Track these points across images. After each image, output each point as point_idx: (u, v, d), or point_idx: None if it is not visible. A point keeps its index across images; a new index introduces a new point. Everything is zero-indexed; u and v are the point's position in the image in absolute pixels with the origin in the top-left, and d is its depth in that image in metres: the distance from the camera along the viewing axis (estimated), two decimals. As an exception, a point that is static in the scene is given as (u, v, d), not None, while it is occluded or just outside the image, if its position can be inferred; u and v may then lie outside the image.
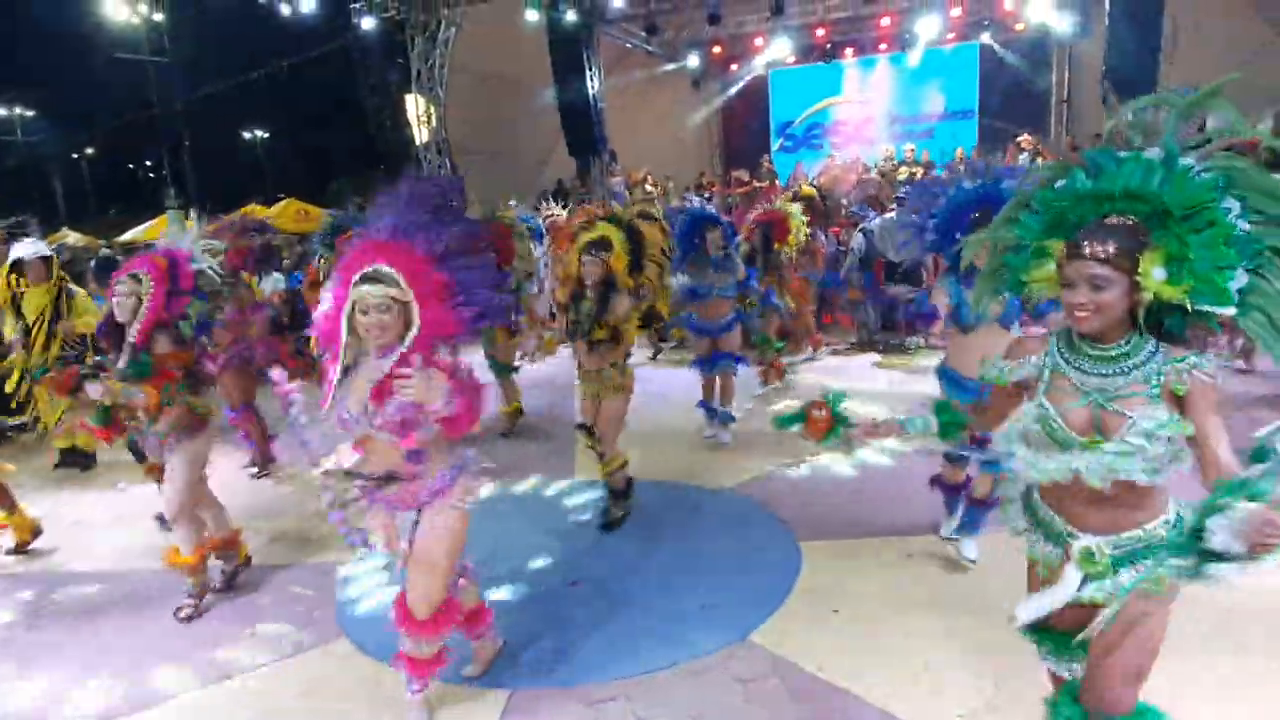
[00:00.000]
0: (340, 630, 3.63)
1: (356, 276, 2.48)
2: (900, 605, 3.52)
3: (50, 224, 21.08)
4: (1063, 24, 14.79)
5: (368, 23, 14.71)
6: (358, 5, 14.45)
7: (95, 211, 34.52)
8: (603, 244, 4.27)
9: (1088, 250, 1.77)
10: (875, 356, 8.61)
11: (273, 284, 9.77)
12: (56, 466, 6.23)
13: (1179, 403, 1.78)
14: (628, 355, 4.48)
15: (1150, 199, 1.77)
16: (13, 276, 5.74)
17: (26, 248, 5.85)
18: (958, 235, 3.42)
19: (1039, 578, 2.03)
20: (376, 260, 2.49)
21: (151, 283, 3.62)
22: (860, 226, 9.27)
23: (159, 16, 22.80)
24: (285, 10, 12.80)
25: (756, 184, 14.39)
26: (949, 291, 3.54)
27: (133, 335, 3.61)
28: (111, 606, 4.04)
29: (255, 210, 16.90)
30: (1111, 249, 1.75)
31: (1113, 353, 1.85)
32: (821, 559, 4.01)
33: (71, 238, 17.29)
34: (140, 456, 4.82)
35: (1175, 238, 1.73)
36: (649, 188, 15.47)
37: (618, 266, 4.25)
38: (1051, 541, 1.99)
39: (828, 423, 2.22)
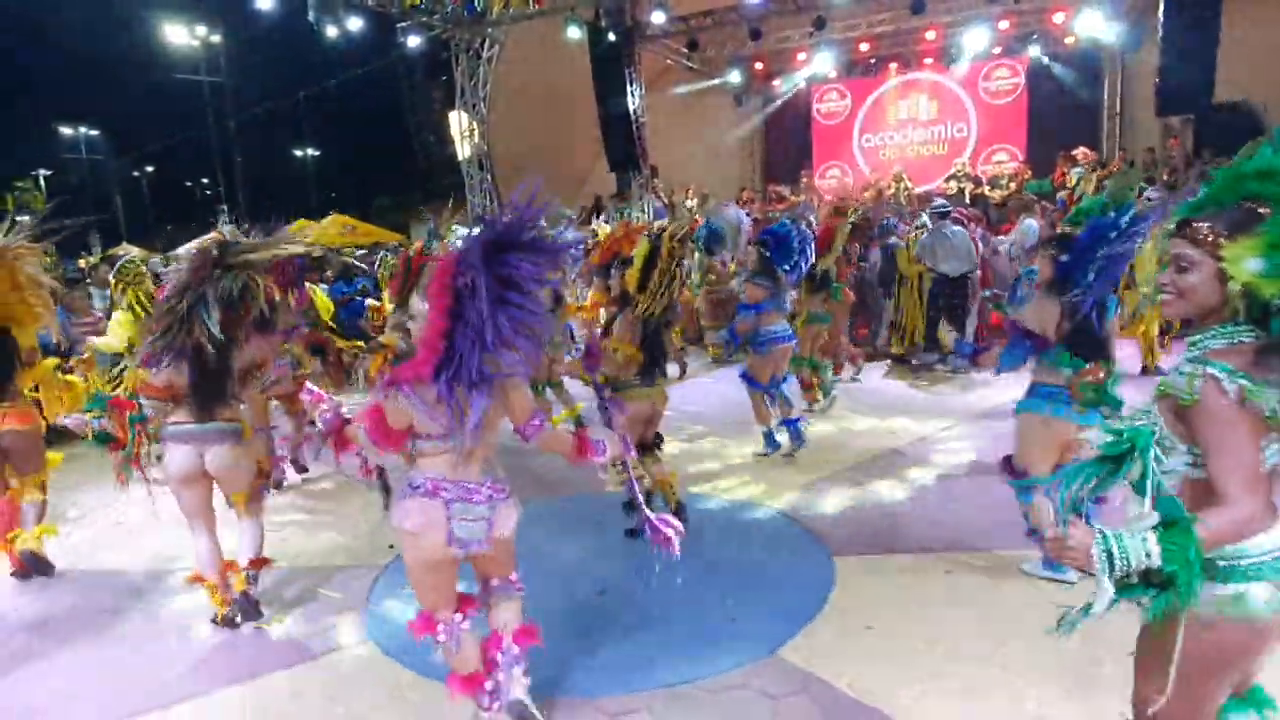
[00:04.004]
0: (367, 635, 3.62)
1: None
2: (938, 624, 3.38)
3: (111, 239, 21.93)
4: (1114, 37, 14.46)
5: (413, 41, 15.02)
6: (404, 24, 14.76)
7: (154, 226, 35.80)
8: (628, 261, 4.25)
9: (1184, 227, 1.65)
10: (890, 369, 8.63)
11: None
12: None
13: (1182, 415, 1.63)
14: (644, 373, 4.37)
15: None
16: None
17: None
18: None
19: None
20: (436, 276, 2.37)
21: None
22: (881, 242, 9.15)
23: (216, 39, 23.72)
24: (333, 30, 13.12)
25: (794, 199, 14.30)
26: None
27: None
28: (140, 604, 4.10)
29: (303, 225, 17.38)
30: (1203, 229, 1.62)
31: (1191, 339, 1.69)
32: (856, 574, 3.88)
33: (134, 252, 17.93)
34: None
35: None
36: (689, 202, 15.50)
37: (629, 282, 4.23)
38: None
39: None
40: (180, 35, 21.89)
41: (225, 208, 18.72)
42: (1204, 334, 1.67)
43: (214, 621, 3.74)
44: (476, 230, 2.34)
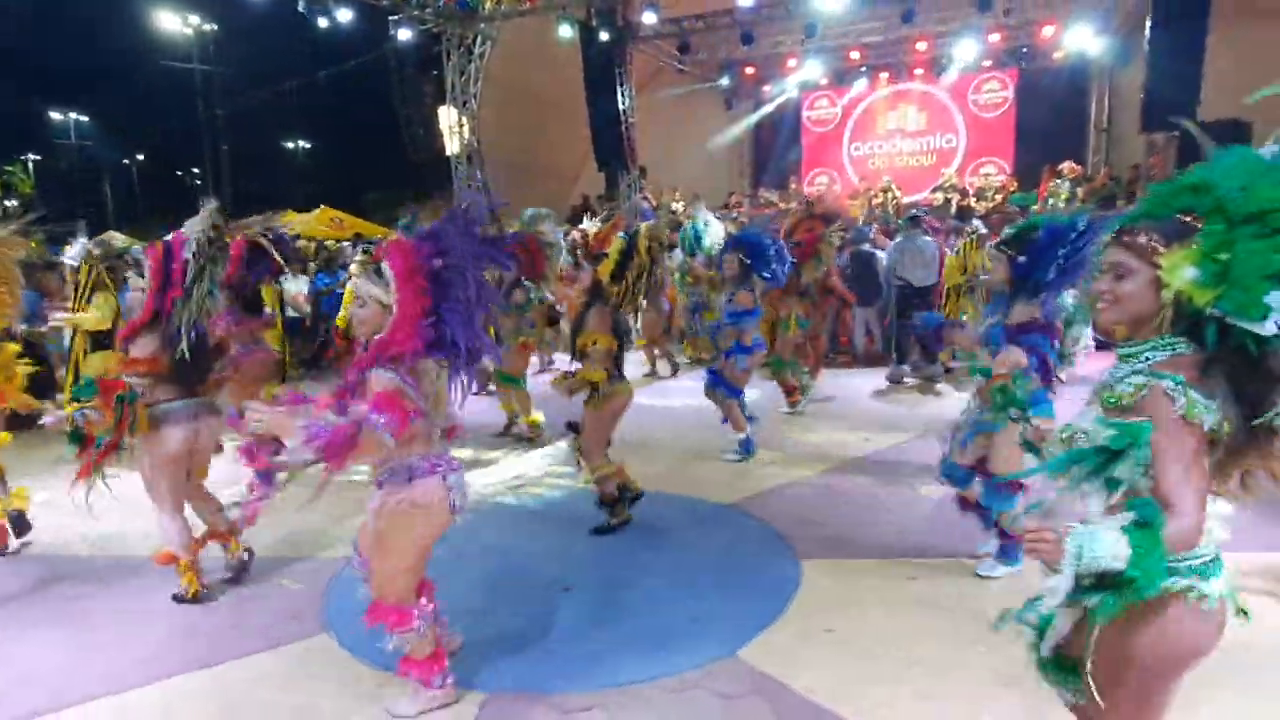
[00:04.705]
0: (325, 626, 3.59)
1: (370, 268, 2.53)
2: (899, 630, 3.39)
3: (98, 226, 21.73)
4: (1102, 52, 14.58)
5: (405, 34, 14.97)
6: (395, 17, 14.71)
7: (143, 214, 35.40)
8: (602, 256, 4.28)
9: (1122, 236, 1.67)
10: (868, 376, 8.57)
11: (298, 286, 10.00)
12: None
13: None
14: (615, 369, 4.37)
15: (1215, 191, 1.54)
16: None
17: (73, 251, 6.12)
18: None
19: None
20: (386, 258, 2.48)
21: (149, 276, 3.61)
22: (852, 249, 9.18)
23: (208, 28, 23.58)
24: (324, 21, 13.08)
25: (783, 205, 14.34)
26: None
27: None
28: (100, 589, 4.05)
29: (289, 216, 17.23)
30: (1140, 237, 1.64)
31: (1125, 350, 1.70)
32: (821, 577, 3.89)
33: (118, 240, 17.69)
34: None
35: (1225, 237, 1.51)
36: (675, 204, 15.50)
37: (603, 273, 4.26)
38: None
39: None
40: (172, 23, 21.75)
41: (214, 197, 18.45)
42: (1141, 345, 1.68)
43: (188, 599, 3.77)
44: (450, 218, 2.48)
